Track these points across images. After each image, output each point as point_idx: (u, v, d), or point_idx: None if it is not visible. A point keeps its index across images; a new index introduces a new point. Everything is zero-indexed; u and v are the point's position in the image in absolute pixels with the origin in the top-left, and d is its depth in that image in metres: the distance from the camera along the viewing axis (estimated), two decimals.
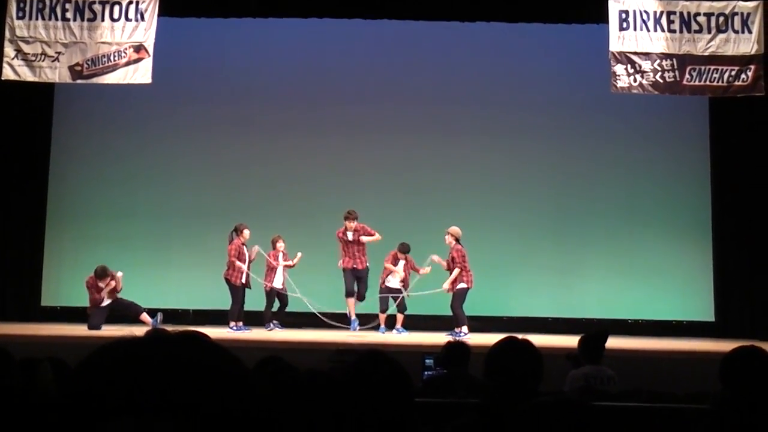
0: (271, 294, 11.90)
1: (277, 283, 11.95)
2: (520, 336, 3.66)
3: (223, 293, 11.76)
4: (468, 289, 11.59)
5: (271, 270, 11.95)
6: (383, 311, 11.89)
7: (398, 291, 11.86)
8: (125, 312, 11.64)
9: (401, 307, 11.89)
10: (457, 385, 5.63)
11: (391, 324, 11.85)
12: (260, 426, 0.92)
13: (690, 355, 9.94)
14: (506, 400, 3.23)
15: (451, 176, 13.24)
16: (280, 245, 12.02)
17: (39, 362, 3.70)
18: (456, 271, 11.57)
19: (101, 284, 11.61)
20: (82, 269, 11.84)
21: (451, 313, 11.62)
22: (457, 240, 11.70)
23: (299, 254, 12.02)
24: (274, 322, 11.81)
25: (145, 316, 11.55)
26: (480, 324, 11.60)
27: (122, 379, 0.89)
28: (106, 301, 11.64)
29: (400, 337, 11.42)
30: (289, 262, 12.04)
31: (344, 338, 10.77)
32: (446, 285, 11.60)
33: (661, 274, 12.95)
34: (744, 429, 3.24)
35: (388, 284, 11.91)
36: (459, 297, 11.57)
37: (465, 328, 11.30)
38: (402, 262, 11.92)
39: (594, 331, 6.49)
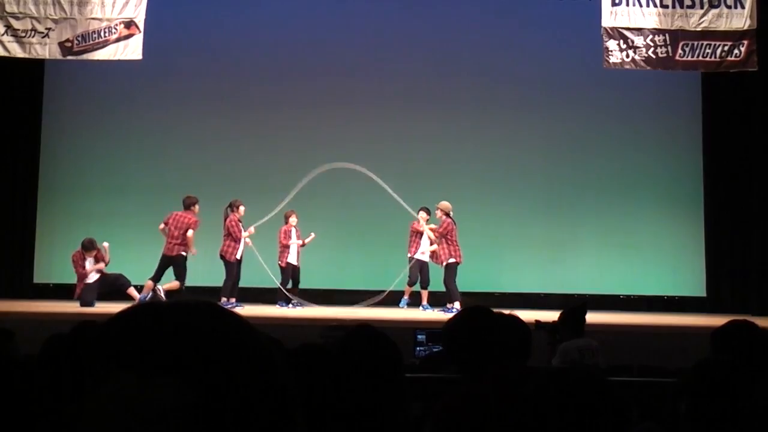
0: (287, 271, 11.88)
1: (292, 259, 11.91)
2: (506, 311, 3.66)
3: (215, 269, 11.76)
4: (458, 263, 11.63)
5: (285, 247, 11.92)
6: (411, 284, 11.88)
7: (425, 264, 11.85)
8: (113, 286, 11.53)
9: (425, 283, 11.87)
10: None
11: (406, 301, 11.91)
12: (265, 395, 0.93)
13: (681, 329, 9.99)
14: (494, 374, 3.24)
15: (444, 150, 13.19)
16: (293, 220, 11.94)
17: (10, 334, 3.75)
18: (432, 236, 11.64)
19: (87, 257, 11.55)
20: (74, 246, 11.79)
21: (442, 290, 11.65)
22: (447, 214, 11.72)
23: (312, 234, 11.97)
24: (294, 300, 11.78)
25: (132, 291, 11.50)
26: (472, 300, 11.58)
27: (134, 339, 0.91)
28: (94, 276, 11.58)
29: (392, 312, 11.38)
30: (300, 241, 11.98)
31: (336, 314, 10.77)
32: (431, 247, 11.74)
33: (653, 249, 12.99)
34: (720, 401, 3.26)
35: (420, 257, 11.87)
36: (450, 272, 11.60)
37: (458, 304, 11.32)
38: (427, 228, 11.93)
39: (573, 305, 6.55)
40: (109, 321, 0.95)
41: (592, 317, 6.58)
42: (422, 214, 11.90)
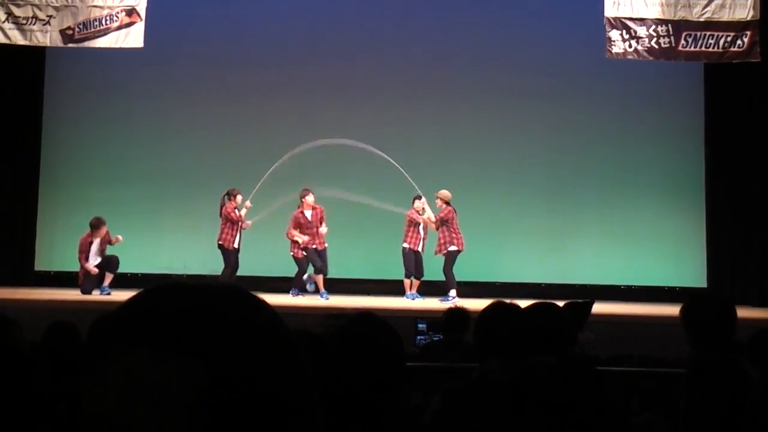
0: (301, 261, 11.79)
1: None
2: (508, 301, 3.67)
3: (216, 257, 11.76)
4: (459, 251, 11.57)
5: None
6: (408, 276, 11.78)
7: (419, 254, 11.73)
8: (108, 266, 11.45)
9: (419, 273, 11.77)
10: (454, 352, 5.65)
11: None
12: (281, 387, 0.92)
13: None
14: (499, 364, 3.25)
15: (445, 138, 13.18)
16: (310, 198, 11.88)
17: (11, 322, 3.76)
18: (431, 222, 11.58)
19: (94, 239, 11.50)
20: (76, 234, 11.80)
21: (442, 279, 11.63)
22: (447, 203, 11.67)
23: (326, 229, 11.91)
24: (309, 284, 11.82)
25: (109, 277, 11.43)
26: (471, 289, 11.61)
27: (152, 316, 0.90)
28: (94, 262, 11.54)
29: (393, 301, 11.37)
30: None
31: (336, 303, 10.79)
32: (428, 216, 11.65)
33: (654, 239, 12.99)
34: (713, 387, 3.27)
35: (416, 248, 11.73)
36: (450, 259, 11.53)
37: (453, 292, 11.29)
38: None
39: (581, 299, 6.56)
40: (131, 298, 0.95)
41: (593, 307, 6.57)
42: (417, 203, 11.80)
